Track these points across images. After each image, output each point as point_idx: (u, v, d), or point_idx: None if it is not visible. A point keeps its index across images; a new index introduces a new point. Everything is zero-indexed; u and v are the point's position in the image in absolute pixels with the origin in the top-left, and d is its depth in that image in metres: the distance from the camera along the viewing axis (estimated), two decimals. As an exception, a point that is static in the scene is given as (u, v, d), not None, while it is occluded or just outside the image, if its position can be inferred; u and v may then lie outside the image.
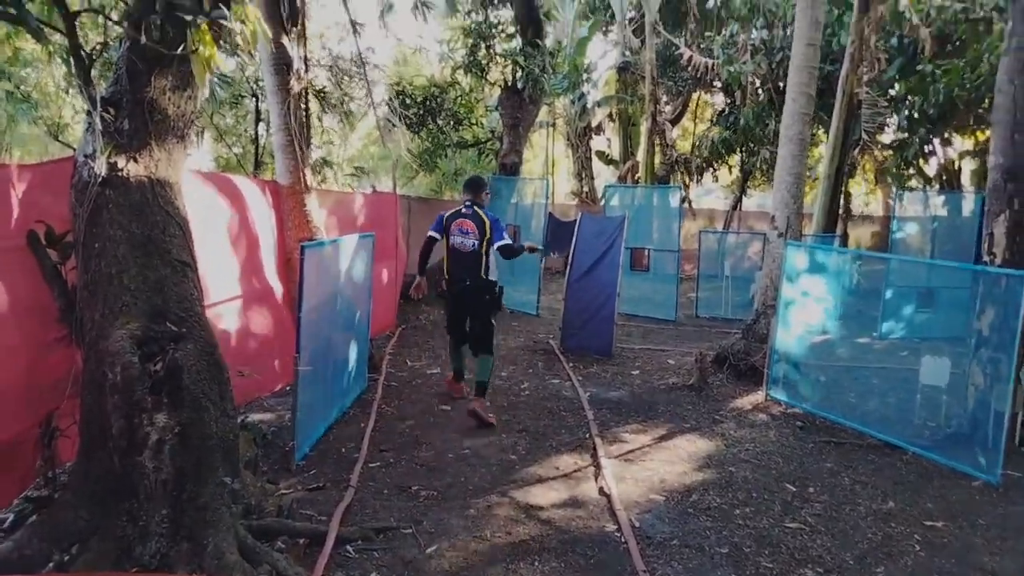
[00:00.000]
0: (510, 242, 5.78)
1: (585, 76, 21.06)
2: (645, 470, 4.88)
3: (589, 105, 22.22)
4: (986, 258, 5.68)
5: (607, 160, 24.12)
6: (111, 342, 3.14)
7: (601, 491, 4.50)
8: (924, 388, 5.83)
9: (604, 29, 22.10)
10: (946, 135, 16.16)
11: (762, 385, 6.69)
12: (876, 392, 6.87)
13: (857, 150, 13.72)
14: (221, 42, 3.67)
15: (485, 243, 5.69)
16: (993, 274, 5.34)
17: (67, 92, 13.54)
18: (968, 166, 18.45)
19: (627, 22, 19.81)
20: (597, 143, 23.80)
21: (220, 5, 3.33)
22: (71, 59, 3.50)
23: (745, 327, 7.81)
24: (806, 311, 6.52)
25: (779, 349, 6.53)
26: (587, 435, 5.54)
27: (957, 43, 12.61)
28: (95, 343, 3.21)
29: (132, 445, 3.06)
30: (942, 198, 12.04)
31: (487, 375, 5.84)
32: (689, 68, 16.42)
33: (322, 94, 8.84)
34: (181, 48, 3.40)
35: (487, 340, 5.88)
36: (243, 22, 3.46)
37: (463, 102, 13.89)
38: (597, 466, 4.89)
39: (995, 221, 5.51)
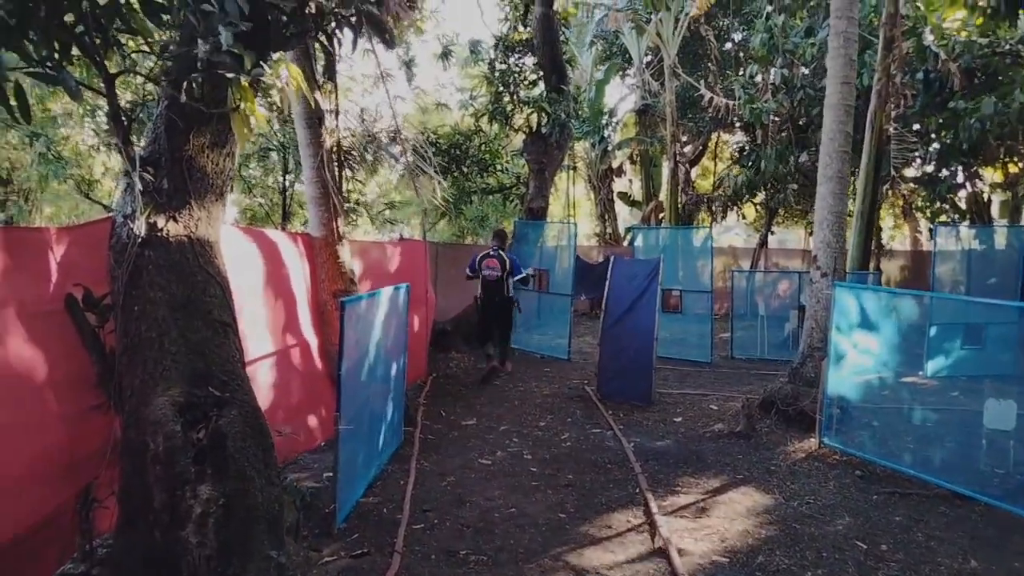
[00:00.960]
0: (523, 275, 9.15)
1: (606, 120, 21.17)
2: (703, 528, 4.62)
3: (610, 148, 22.29)
4: (1048, 294, 5.42)
5: (629, 201, 24.12)
6: (152, 409, 3.01)
7: (659, 551, 4.25)
8: (988, 432, 5.53)
9: (621, 73, 22.27)
10: (974, 168, 15.91)
11: (814, 431, 6.40)
12: (935, 436, 6.54)
13: (887, 186, 13.51)
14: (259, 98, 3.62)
15: (506, 274, 8.87)
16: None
17: (98, 150, 13.76)
18: (997, 198, 18.11)
19: (644, 66, 19.94)
20: (618, 184, 23.82)
21: (260, 63, 3.27)
22: (110, 120, 3.46)
23: (791, 370, 7.53)
24: (858, 354, 6.26)
25: (831, 394, 6.26)
26: (637, 489, 5.29)
27: (984, 77, 12.45)
28: (135, 410, 3.07)
29: (175, 518, 2.89)
30: (973, 231, 11.73)
31: (506, 353, 9.60)
32: (710, 109, 16.40)
33: (349, 154, 8.90)
34: (221, 106, 3.35)
35: (507, 334, 9.49)
36: (288, 83, 3.41)
37: (488, 149, 13.93)
38: (652, 524, 4.63)
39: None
